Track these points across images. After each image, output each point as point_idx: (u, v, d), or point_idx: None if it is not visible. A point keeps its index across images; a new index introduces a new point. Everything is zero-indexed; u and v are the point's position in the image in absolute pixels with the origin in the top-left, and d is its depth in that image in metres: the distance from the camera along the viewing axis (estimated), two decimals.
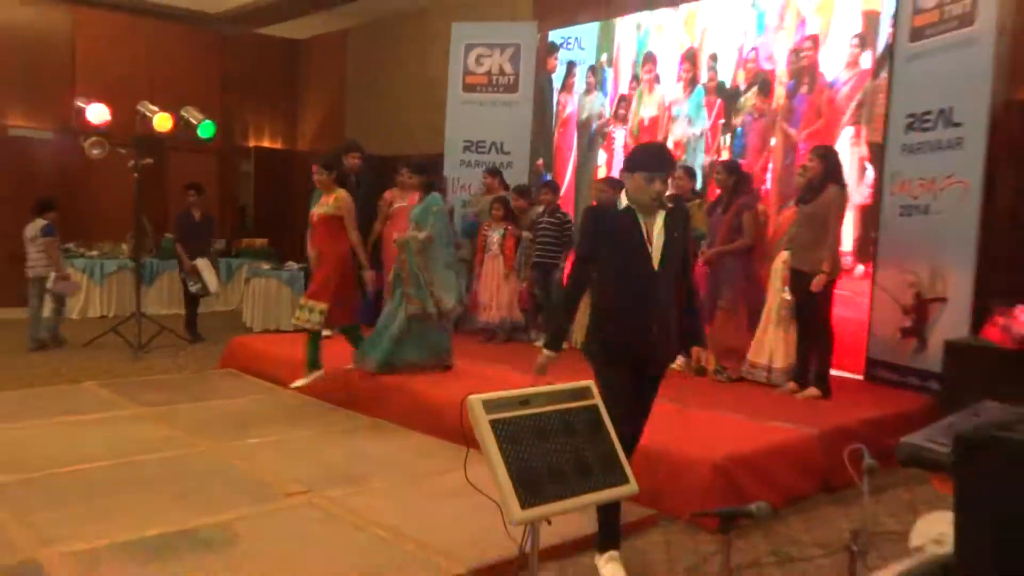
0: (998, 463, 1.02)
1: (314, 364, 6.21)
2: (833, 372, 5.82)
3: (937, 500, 3.98)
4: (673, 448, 4.30)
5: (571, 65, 9.04)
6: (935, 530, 3.03)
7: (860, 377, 6.27)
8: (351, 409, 6.09)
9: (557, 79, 9.19)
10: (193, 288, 9.00)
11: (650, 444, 3.74)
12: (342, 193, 6.20)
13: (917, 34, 6.08)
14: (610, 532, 3.45)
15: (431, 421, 5.49)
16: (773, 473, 4.32)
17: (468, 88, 9.07)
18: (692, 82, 7.93)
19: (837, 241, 5.56)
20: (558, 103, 9.17)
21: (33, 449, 4.96)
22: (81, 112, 8.89)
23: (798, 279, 5.55)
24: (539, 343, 7.33)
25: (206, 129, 9.23)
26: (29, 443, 5.10)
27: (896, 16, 6.31)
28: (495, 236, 7.59)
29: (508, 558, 3.45)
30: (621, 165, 3.76)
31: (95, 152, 8.39)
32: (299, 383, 6.22)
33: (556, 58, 9.17)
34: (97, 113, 8.56)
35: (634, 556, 3.75)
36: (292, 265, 9.97)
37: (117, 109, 8.88)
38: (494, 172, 8.10)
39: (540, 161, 9.11)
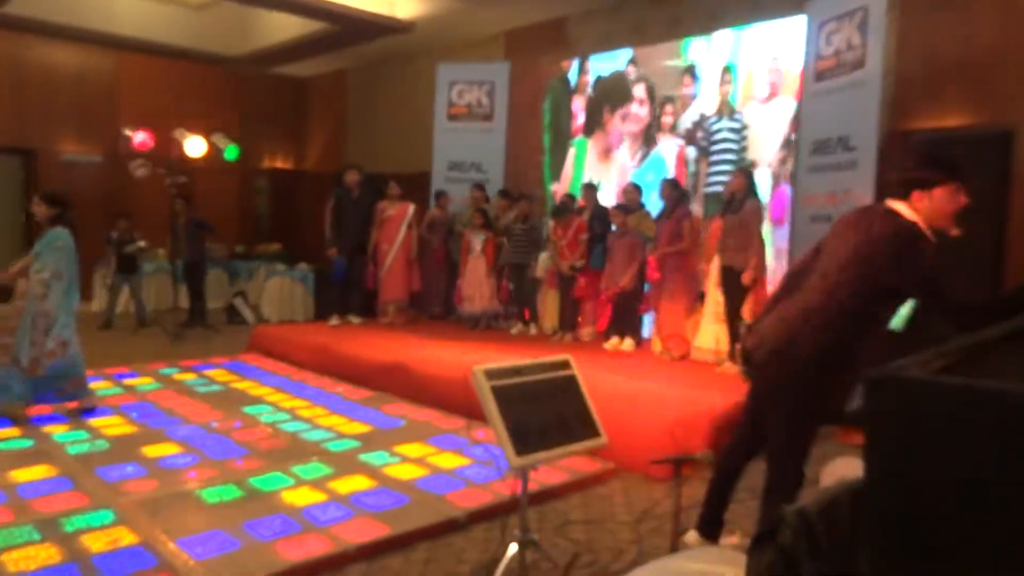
0: (894, 398, 1.03)
1: None
2: None
3: (840, 451, 4.15)
4: (628, 413, 4.42)
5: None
6: (840, 472, 3.19)
7: None
8: (358, 384, 6.11)
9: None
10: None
11: (611, 411, 3.84)
12: None
13: (820, 76, 6.26)
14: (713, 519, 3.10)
15: (427, 394, 5.56)
16: (713, 432, 4.40)
17: (451, 117, 9.12)
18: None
19: (760, 244, 5.70)
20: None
21: (92, 419, 4.96)
22: (127, 139, 8.82)
23: (729, 275, 5.69)
24: (514, 330, 7.48)
25: (231, 152, 9.19)
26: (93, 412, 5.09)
27: (805, 60, 6.50)
28: (478, 240, 7.65)
29: (500, 502, 3.55)
30: (909, 180, 2.62)
31: (139, 172, 8.32)
32: None
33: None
34: (142, 139, 8.50)
35: (599, 501, 3.86)
36: (304, 266, 9.96)
37: (155, 136, 8.82)
38: (480, 187, 8.17)
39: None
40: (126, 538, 3.12)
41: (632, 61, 8.20)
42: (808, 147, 6.31)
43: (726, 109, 7.28)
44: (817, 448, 4.60)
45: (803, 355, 2.52)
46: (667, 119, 7.87)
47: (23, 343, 4.82)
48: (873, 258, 2.48)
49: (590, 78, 8.64)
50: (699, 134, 7.52)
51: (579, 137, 8.74)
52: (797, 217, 6.41)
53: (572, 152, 8.78)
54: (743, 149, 7.13)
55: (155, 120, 10.06)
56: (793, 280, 2.79)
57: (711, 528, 3.05)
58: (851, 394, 2.63)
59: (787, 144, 6.90)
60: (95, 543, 3.06)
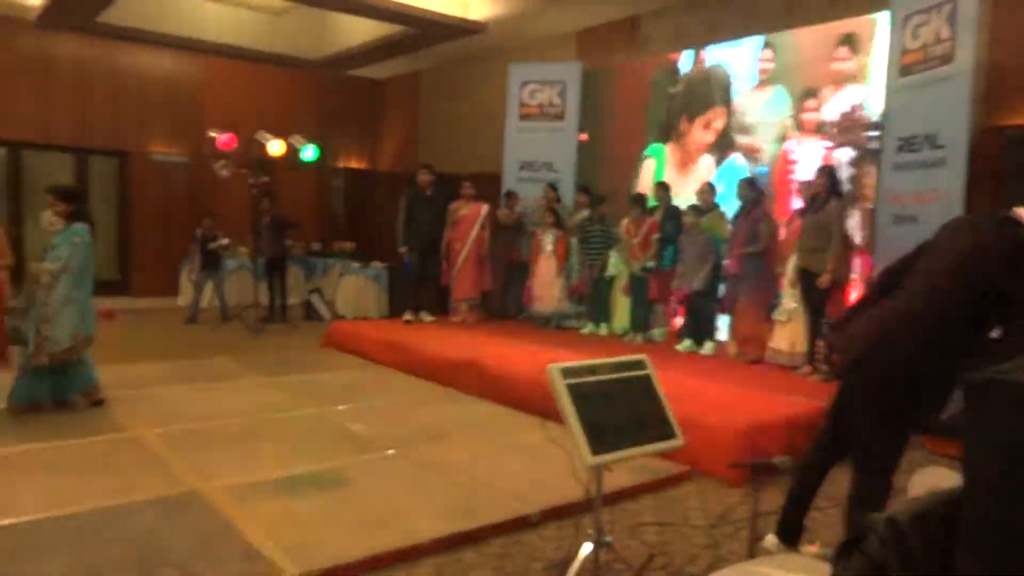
0: (997, 402, 1.00)
1: None
2: None
3: (928, 460, 4.00)
4: (703, 416, 4.35)
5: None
6: (929, 482, 3.06)
7: None
8: (430, 381, 6.21)
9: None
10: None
11: (685, 413, 3.79)
12: None
13: (906, 71, 6.02)
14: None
15: (498, 392, 5.60)
16: (789, 438, 4.31)
17: (523, 117, 9.16)
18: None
19: (842, 246, 5.51)
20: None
21: (186, 407, 5.19)
22: (212, 140, 9.19)
23: (806, 278, 5.54)
24: (584, 330, 7.46)
25: (309, 153, 9.46)
26: (183, 402, 5.33)
27: (889, 54, 6.26)
28: (548, 240, 7.67)
29: (572, 501, 3.55)
30: None
31: (224, 172, 8.67)
32: None
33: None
34: (225, 140, 8.84)
35: (672, 504, 3.82)
36: (377, 264, 10.17)
37: (238, 137, 9.18)
38: (553, 186, 8.18)
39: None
40: (213, 522, 3.25)
41: (767, 44, 7.45)
42: (893, 144, 6.08)
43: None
44: (904, 457, 4.47)
45: (899, 358, 2.45)
46: (809, 116, 6.98)
47: (29, 331, 4.79)
48: (986, 265, 2.41)
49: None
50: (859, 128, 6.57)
51: (655, 144, 8.52)
52: (880, 217, 6.19)
53: (650, 162, 8.62)
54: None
55: (238, 122, 10.47)
56: (888, 281, 2.70)
57: (791, 534, 2.98)
58: (944, 403, 2.53)
59: None
60: (185, 526, 3.21)
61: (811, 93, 7.05)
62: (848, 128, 6.72)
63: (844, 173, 6.56)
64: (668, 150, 8.41)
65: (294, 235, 9.54)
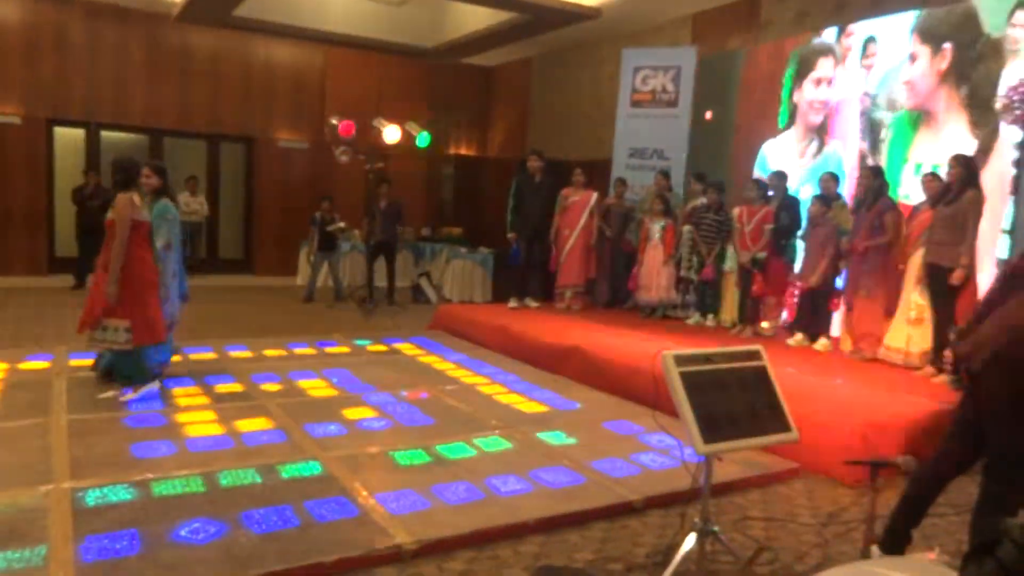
0: None
1: (144, 381, 4.89)
2: None
3: None
4: (812, 413, 4.21)
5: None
6: None
7: None
8: (535, 366, 6.27)
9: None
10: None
11: (797, 408, 3.68)
12: (120, 197, 4.73)
13: None
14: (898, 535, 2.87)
15: (603, 379, 5.61)
16: (908, 439, 4.12)
17: (635, 104, 9.04)
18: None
19: (974, 240, 5.17)
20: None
21: (304, 381, 5.46)
22: (333, 127, 9.60)
23: (936, 273, 5.22)
24: (690, 320, 7.34)
25: (423, 139, 9.71)
26: (302, 376, 5.59)
27: None
28: (656, 228, 7.57)
29: (676, 490, 3.54)
30: None
31: (343, 158, 9.04)
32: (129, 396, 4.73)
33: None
34: (346, 127, 9.20)
35: (780, 500, 3.74)
36: (484, 250, 10.34)
37: (356, 124, 9.55)
38: (665, 174, 8.06)
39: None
40: (331, 489, 3.45)
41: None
42: None
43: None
44: None
45: None
46: (1002, 99, 5.97)
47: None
48: None
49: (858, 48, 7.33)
50: None
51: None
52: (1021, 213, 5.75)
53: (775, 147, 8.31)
54: None
55: (356, 109, 10.89)
56: (1014, 282, 2.54)
57: (897, 544, 2.83)
58: None
59: None
60: (306, 490, 3.42)
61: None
62: (1013, 106, 5.95)
63: (1010, 156, 5.93)
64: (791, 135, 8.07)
65: (403, 221, 9.84)
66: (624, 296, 8.23)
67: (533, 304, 8.10)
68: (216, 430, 4.24)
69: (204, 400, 4.83)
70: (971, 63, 6.28)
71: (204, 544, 2.85)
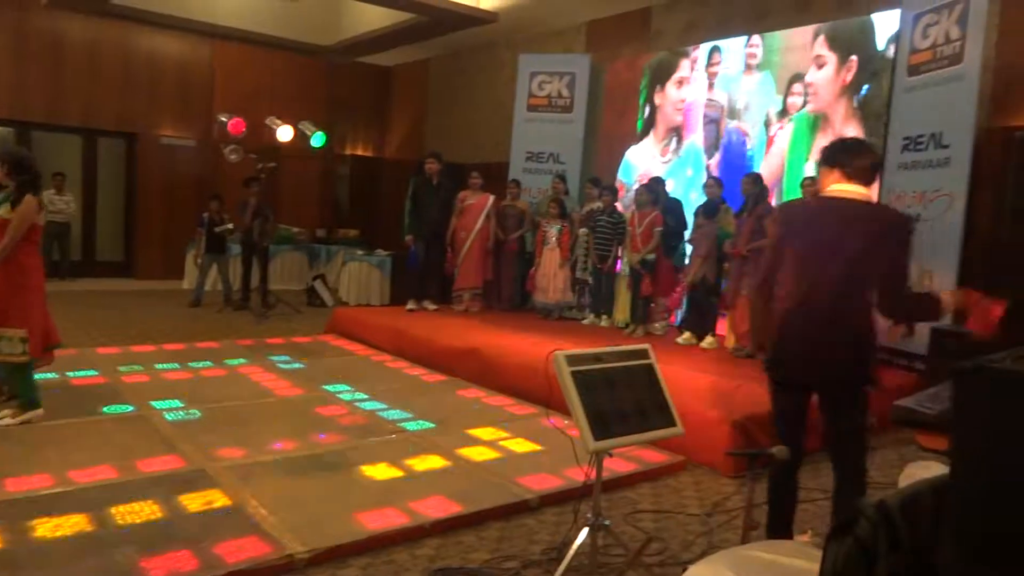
0: (984, 390, 1.04)
1: (32, 403, 4.32)
2: None
3: (920, 456, 4.05)
4: (700, 408, 4.41)
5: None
6: (919, 475, 3.11)
7: None
8: (432, 368, 6.26)
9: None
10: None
11: (684, 404, 3.84)
12: (28, 199, 4.17)
13: (913, 70, 6.05)
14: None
15: (500, 380, 5.66)
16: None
17: (531, 108, 9.19)
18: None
19: None
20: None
21: (191, 389, 5.22)
22: (222, 124, 9.23)
23: None
24: (585, 321, 7.53)
25: (318, 139, 9.50)
26: (187, 384, 5.36)
27: (896, 55, 6.28)
28: (552, 231, 7.71)
29: (571, 487, 3.62)
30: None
31: (233, 157, 8.70)
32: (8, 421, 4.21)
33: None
34: (236, 125, 8.88)
35: (668, 492, 3.89)
36: (381, 252, 10.22)
37: (247, 122, 9.23)
38: (561, 177, 8.22)
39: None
40: (219, 500, 3.32)
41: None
42: (898, 144, 6.11)
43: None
44: (894, 452, 4.53)
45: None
46: (794, 100, 7.25)
47: None
48: None
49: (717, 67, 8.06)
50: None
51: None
52: None
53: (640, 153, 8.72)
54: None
55: (247, 107, 10.52)
56: None
57: (781, 532, 3.00)
58: None
59: None
60: (192, 503, 3.28)
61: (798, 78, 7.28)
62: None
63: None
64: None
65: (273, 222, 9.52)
66: (522, 298, 8.35)
67: (431, 307, 8.07)
68: (96, 440, 4.00)
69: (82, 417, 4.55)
70: (868, 77, 6.80)
71: (80, 560, 2.69)
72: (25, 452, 3.79)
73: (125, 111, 10.99)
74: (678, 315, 7.25)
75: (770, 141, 7.50)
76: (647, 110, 8.67)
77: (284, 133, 9.21)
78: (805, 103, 7.21)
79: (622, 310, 7.37)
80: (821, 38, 7.10)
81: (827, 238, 2.67)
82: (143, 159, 11.24)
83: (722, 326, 6.62)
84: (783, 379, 2.86)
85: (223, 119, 9.23)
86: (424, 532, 3.18)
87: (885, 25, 6.61)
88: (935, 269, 5.66)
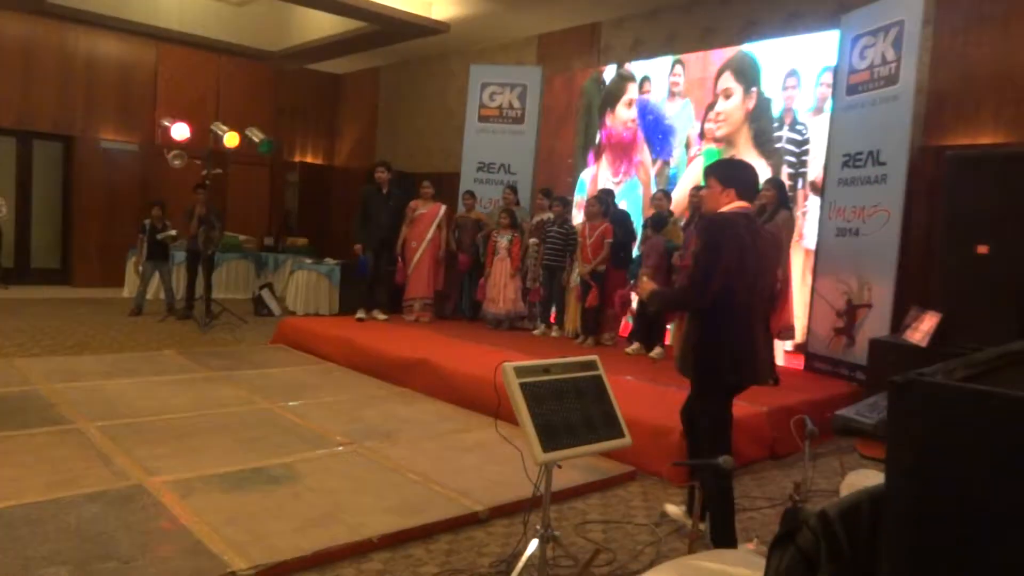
0: (918, 402, 1.07)
1: None
2: (780, 364, 5.98)
3: (860, 464, 4.16)
4: (649, 418, 4.45)
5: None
6: (860, 484, 3.20)
7: (801, 368, 6.45)
8: (382, 379, 6.20)
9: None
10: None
11: (630, 414, 3.88)
12: None
13: (852, 89, 6.26)
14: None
15: (450, 391, 5.63)
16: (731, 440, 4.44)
17: (482, 119, 9.20)
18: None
19: (788, 256, 5.68)
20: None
21: (131, 401, 5.07)
22: (165, 129, 9.01)
23: None
24: (536, 332, 7.55)
25: (265, 146, 9.34)
26: (127, 396, 5.20)
27: (835, 74, 6.50)
28: (503, 241, 7.72)
29: (520, 499, 3.61)
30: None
31: (176, 163, 8.49)
32: None
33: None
34: (179, 130, 8.67)
35: (617, 502, 3.91)
36: (330, 260, 10.08)
37: (192, 128, 9.02)
38: (512, 188, 8.24)
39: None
40: (159, 517, 3.22)
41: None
42: (838, 160, 6.31)
43: (788, 118, 7.04)
44: (836, 460, 4.65)
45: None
46: (710, 126, 7.63)
47: None
48: None
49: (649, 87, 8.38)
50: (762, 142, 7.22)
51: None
52: (823, 231, 6.41)
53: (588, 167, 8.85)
54: (802, 164, 6.90)
55: (192, 112, 10.29)
56: None
57: (726, 541, 3.05)
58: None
59: None
60: (130, 520, 3.16)
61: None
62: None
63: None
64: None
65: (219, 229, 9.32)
66: (473, 308, 8.33)
67: (381, 316, 8.00)
68: (27, 457, 3.84)
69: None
70: (763, 107, 7.21)
71: None
72: None
73: (62, 113, 10.63)
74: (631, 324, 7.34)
75: (690, 161, 7.80)
76: (599, 135, 8.80)
77: (231, 140, 9.02)
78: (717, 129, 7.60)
79: (572, 320, 7.42)
80: (727, 72, 7.52)
81: (758, 250, 3.09)
82: (81, 163, 10.88)
83: (669, 337, 6.72)
84: (738, 384, 3.16)
85: (165, 123, 9.01)
86: (372, 546, 3.13)
87: (819, 47, 6.84)
88: (873, 281, 5.85)
